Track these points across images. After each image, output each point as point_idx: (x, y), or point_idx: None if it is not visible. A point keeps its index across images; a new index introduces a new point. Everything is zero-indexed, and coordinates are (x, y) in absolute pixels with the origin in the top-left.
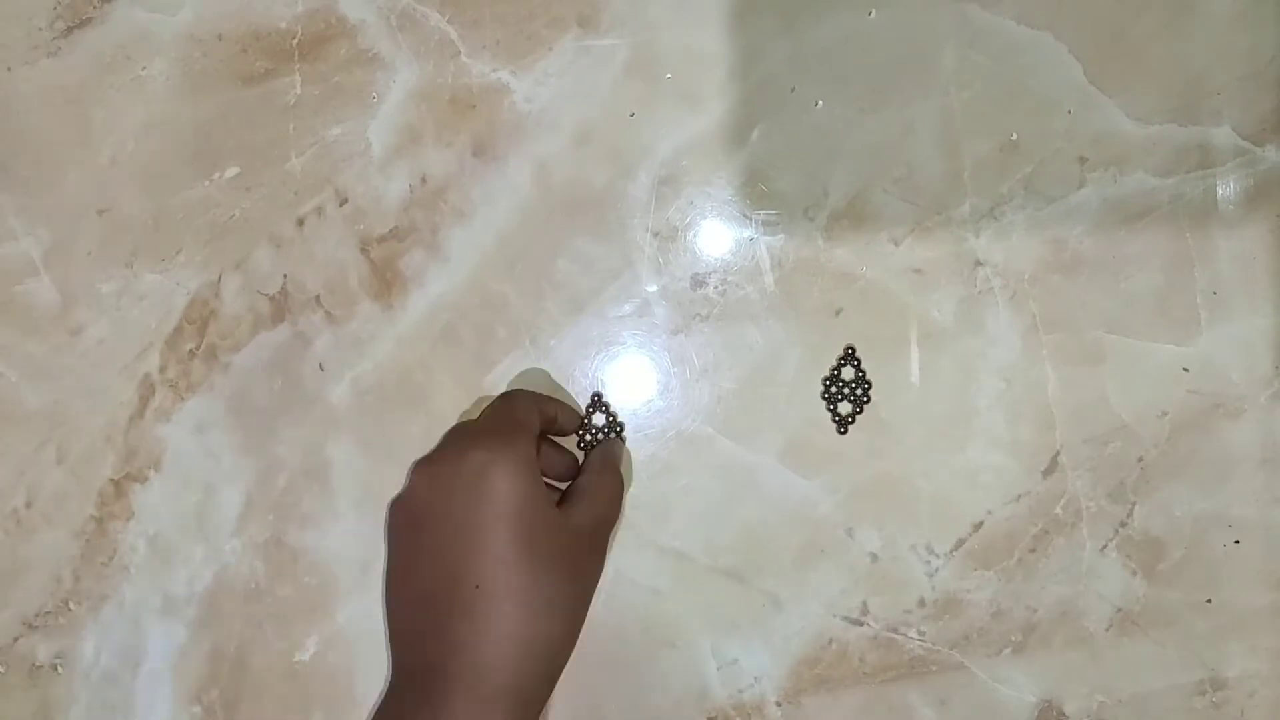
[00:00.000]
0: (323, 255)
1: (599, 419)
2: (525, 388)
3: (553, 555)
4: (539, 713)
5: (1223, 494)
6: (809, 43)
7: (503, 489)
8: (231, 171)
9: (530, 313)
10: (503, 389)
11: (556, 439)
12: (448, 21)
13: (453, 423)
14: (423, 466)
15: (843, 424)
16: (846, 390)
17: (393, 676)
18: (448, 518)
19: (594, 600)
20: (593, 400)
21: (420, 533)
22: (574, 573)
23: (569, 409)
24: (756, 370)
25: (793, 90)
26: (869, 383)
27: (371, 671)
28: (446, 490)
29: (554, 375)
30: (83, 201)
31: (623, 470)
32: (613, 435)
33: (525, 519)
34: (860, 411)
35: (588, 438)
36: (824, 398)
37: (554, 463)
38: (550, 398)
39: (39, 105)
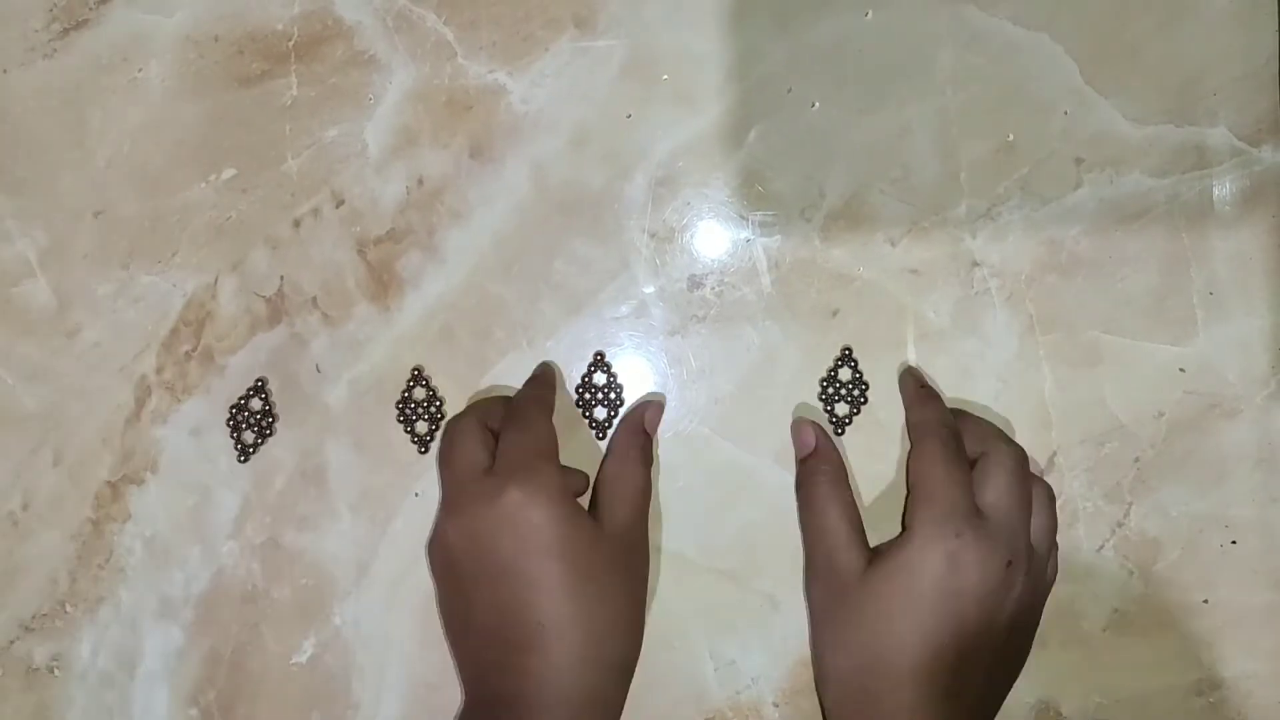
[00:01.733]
0: (319, 257)
1: (600, 378)
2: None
3: (604, 574)
4: (619, 714)
5: (1219, 494)
6: (806, 44)
7: (541, 524)
8: (228, 173)
9: (527, 314)
10: (499, 390)
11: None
12: (444, 23)
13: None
14: (453, 516)
15: (839, 425)
16: (844, 391)
17: (466, 706)
18: (495, 563)
19: None
20: (595, 359)
21: (468, 578)
22: (626, 580)
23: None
24: (753, 371)
25: (789, 91)
26: (866, 384)
27: (369, 673)
28: (488, 536)
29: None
30: (79, 203)
31: (636, 439)
32: (614, 398)
33: (570, 548)
34: (857, 413)
35: (586, 396)
36: (821, 399)
37: (572, 480)
38: (547, 391)
39: (35, 107)
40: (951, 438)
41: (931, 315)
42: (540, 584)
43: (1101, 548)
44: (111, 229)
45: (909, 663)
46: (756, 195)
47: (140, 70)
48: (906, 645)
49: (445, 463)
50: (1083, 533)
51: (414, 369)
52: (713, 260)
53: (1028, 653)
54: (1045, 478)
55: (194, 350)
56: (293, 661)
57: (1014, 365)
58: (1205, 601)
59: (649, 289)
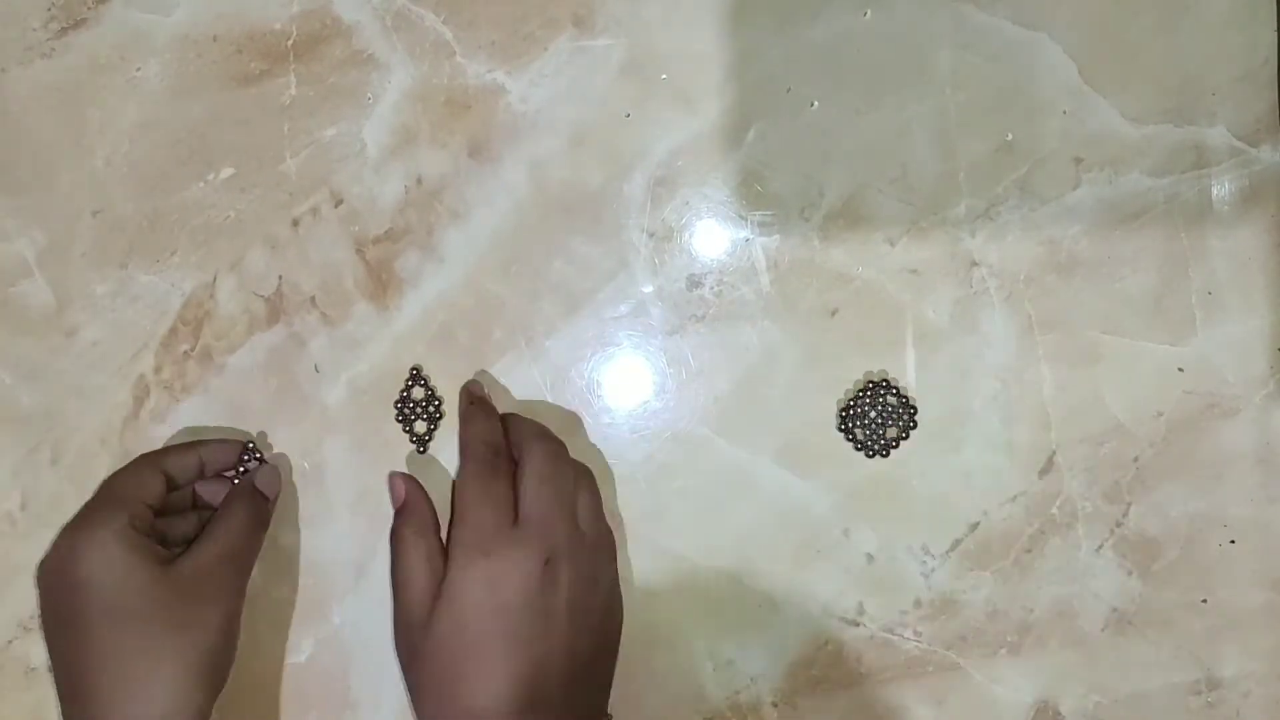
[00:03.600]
0: (318, 256)
1: (418, 392)
2: (184, 439)
3: (149, 613)
4: None
5: (1218, 494)
6: (804, 43)
7: (84, 570)
8: (226, 172)
9: (526, 313)
10: (498, 390)
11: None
12: (443, 22)
13: (448, 425)
14: (40, 564)
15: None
16: (419, 410)
17: None
18: (54, 613)
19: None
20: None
21: (45, 634)
22: (181, 620)
23: (219, 445)
24: (752, 371)
25: (788, 91)
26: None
27: (368, 673)
28: (47, 585)
29: (551, 377)
30: (77, 202)
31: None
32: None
33: (110, 588)
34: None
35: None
36: (843, 430)
37: (177, 525)
38: (183, 445)
39: (33, 106)
40: (488, 452)
41: (930, 315)
42: (81, 631)
43: (1100, 547)
44: (110, 228)
45: (486, 697)
46: (755, 195)
47: (139, 69)
48: (477, 680)
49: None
50: (1081, 532)
51: (412, 368)
52: (712, 260)
53: (619, 615)
54: (1044, 477)
55: (192, 350)
56: (291, 661)
57: (1013, 365)
58: (1204, 601)
59: (648, 288)
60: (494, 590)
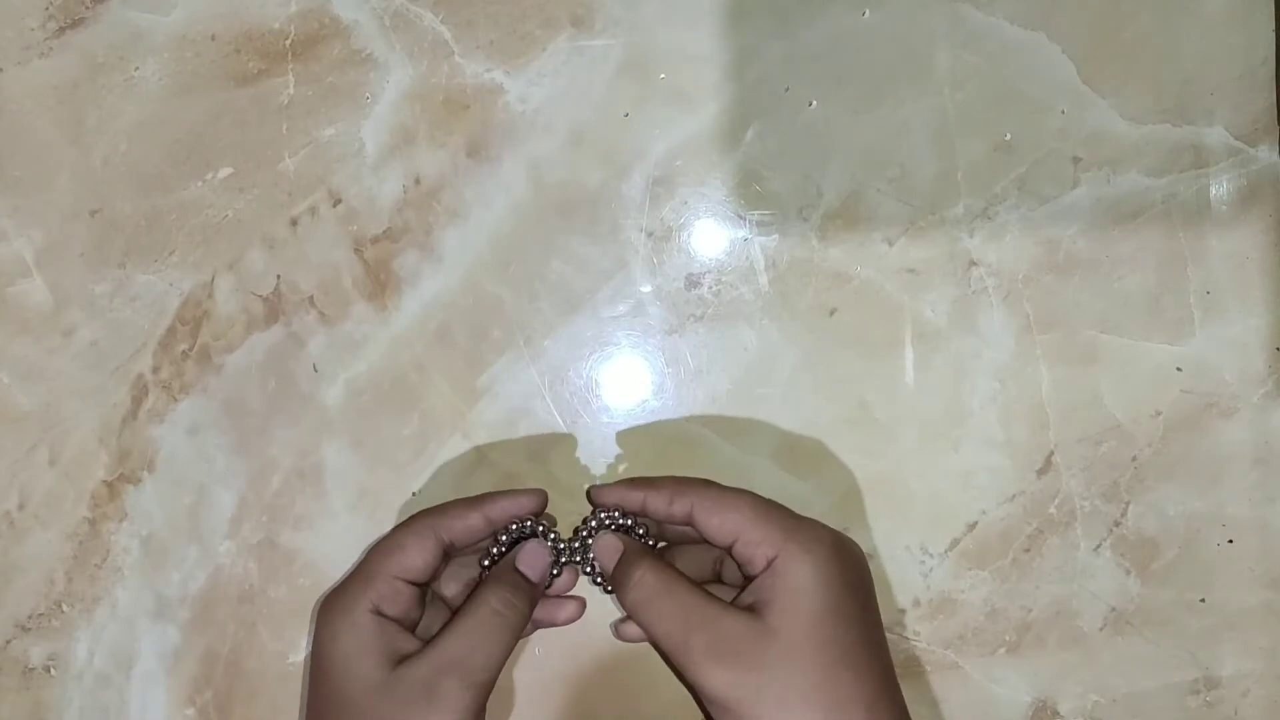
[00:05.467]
0: (316, 256)
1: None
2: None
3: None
4: None
5: (1216, 493)
6: (803, 43)
7: (318, 656)
8: (224, 172)
9: (524, 313)
10: (496, 389)
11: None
12: (441, 22)
13: (446, 425)
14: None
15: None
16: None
17: None
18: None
19: (587, 604)
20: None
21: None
22: None
23: (508, 501)
24: (751, 370)
25: (787, 90)
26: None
27: None
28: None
29: (550, 376)
30: (75, 202)
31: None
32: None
33: (334, 682)
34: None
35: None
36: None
37: (449, 587)
38: (465, 503)
39: (31, 106)
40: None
41: (929, 314)
42: (312, 712)
43: (1098, 547)
44: (108, 228)
45: None
46: (754, 194)
47: (137, 69)
48: None
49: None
50: (1080, 532)
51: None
52: (710, 259)
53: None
54: (1042, 477)
55: (191, 349)
56: (290, 661)
57: (1011, 364)
58: (1202, 600)
59: (646, 288)
60: None
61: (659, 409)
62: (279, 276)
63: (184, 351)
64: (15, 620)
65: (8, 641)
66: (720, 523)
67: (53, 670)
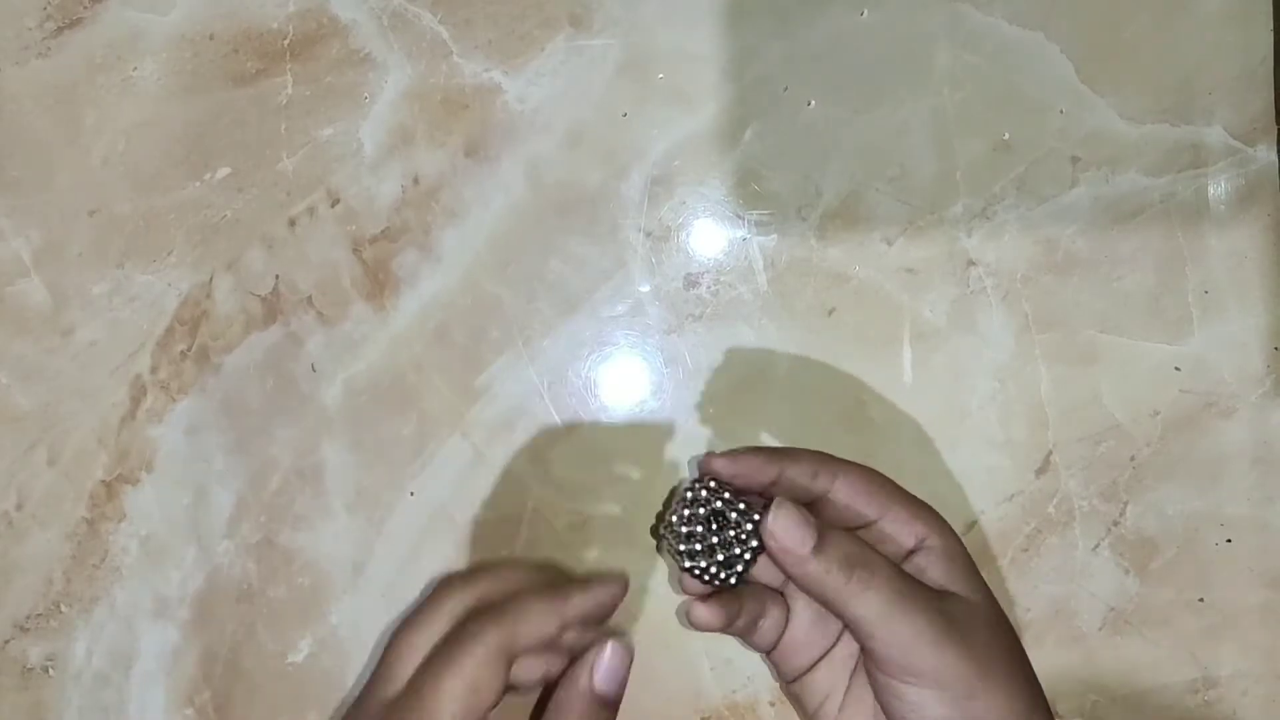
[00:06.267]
0: (315, 256)
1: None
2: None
3: None
4: None
5: (1215, 493)
6: (802, 43)
7: None
8: (223, 172)
9: (523, 313)
10: (495, 389)
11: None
12: (439, 21)
13: (445, 425)
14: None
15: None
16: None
17: None
18: None
19: None
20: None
21: None
22: None
23: (583, 597)
24: (749, 370)
25: (786, 90)
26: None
27: (365, 673)
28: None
29: (548, 376)
30: (74, 202)
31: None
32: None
33: None
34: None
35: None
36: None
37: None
38: (542, 603)
39: (30, 106)
40: None
41: (928, 314)
42: None
43: (1097, 546)
44: (106, 228)
45: None
46: (752, 194)
47: (135, 69)
48: None
49: None
50: (1079, 531)
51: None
52: (709, 259)
53: None
54: (1041, 476)
55: (189, 349)
56: (289, 661)
57: (1010, 364)
58: (1201, 600)
59: (645, 288)
60: None
61: (658, 409)
62: (277, 276)
63: (183, 351)
64: (14, 620)
65: (6, 641)
66: (869, 498)
67: (51, 670)
